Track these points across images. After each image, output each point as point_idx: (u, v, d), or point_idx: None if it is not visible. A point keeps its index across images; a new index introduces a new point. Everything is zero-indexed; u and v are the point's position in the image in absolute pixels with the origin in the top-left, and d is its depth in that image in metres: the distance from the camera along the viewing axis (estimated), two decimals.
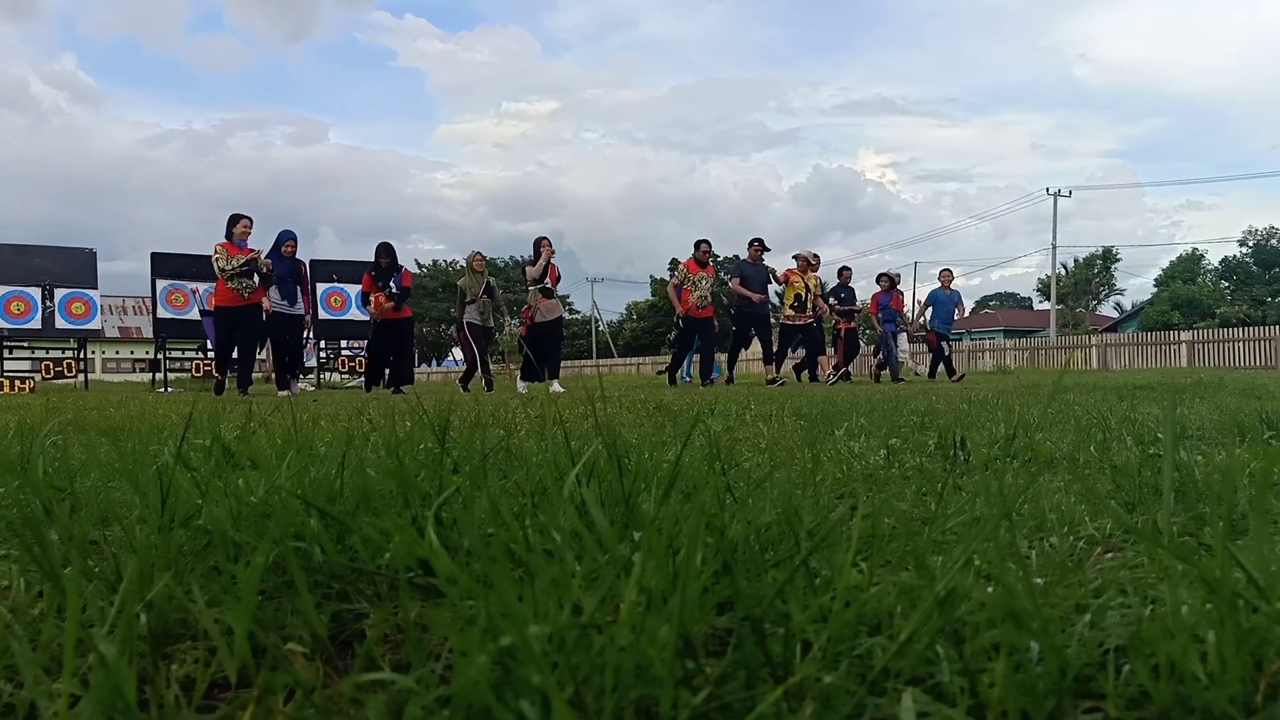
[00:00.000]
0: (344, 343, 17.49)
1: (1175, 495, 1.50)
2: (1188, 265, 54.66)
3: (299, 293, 11.16)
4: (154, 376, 16.23)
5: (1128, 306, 58.02)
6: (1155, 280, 55.86)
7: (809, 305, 13.39)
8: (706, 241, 12.44)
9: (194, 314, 15.96)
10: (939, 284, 14.87)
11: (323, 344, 17.17)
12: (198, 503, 1.29)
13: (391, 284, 11.45)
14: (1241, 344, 24.81)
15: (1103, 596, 0.89)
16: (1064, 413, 3.78)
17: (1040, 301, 59.41)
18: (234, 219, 10.40)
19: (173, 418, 4.15)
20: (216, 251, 10.20)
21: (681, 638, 0.65)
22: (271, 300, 10.66)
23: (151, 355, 17.57)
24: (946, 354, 14.68)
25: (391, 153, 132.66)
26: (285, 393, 10.57)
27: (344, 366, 17.21)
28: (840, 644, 0.76)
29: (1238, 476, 1.35)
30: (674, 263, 17.96)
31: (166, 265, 15.84)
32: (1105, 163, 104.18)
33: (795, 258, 13.43)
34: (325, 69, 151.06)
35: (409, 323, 12.01)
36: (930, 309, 14.72)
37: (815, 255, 13.53)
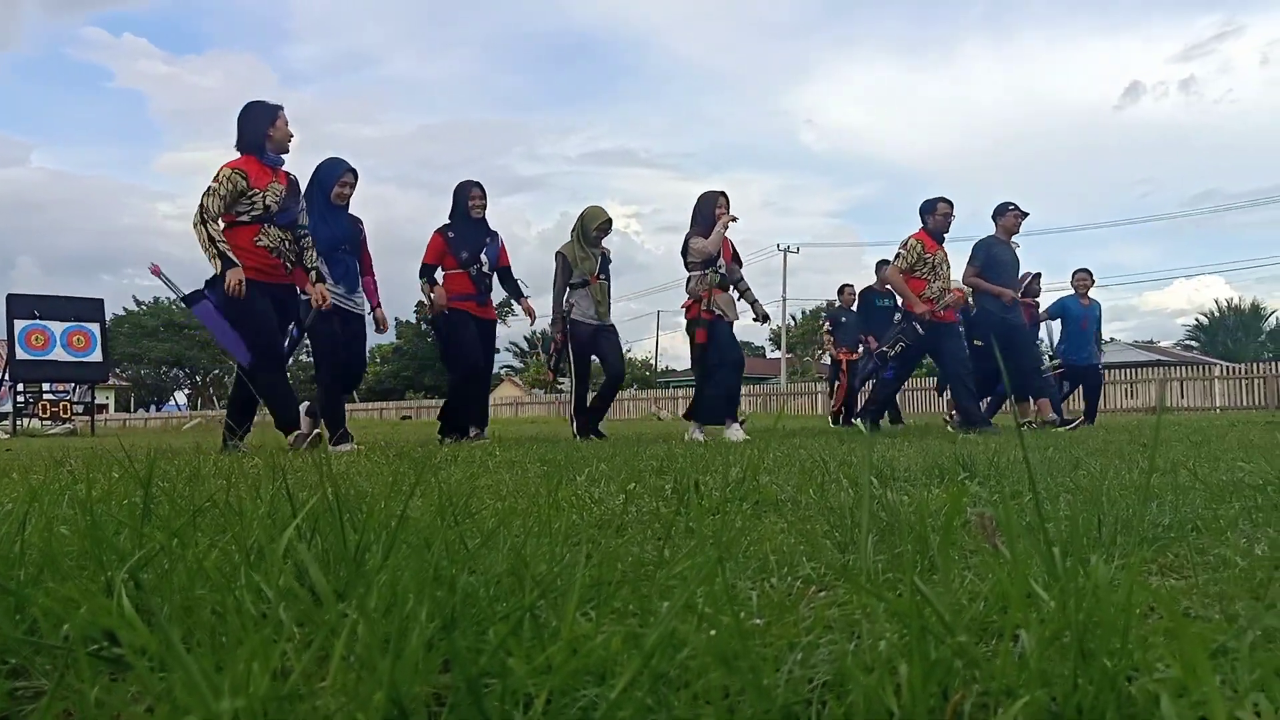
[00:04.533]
0: (46, 385, 15.84)
1: (885, 533, 1.61)
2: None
3: (360, 272, 6.26)
4: None
5: None
6: None
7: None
8: (947, 201, 7.77)
9: None
10: (1072, 291, 10.23)
11: (20, 387, 15.43)
12: None
13: (483, 258, 6.79)
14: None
15: (813, 634, 0.93)
16: (791, 456, 4.00)
17: (772, 350, 63.11)
18: (265, 110, 5.42)
19: None
20: (223, 178, 5.22)
21: (393, 701, 0.62)
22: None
23: None
24: (1064, 392, 10.18)
25: (106, 179, 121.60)
26: (347, 447, 5.56)
27: (45, 411, 15.59)
28: (563, 696, 0.76)
29: (926, 516, 1.47)
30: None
31: None
32: (829, 221, 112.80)
33: (1006, 209, 8.35)
34: (27, 85, 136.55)
35: (494, 329, 7.22)
36: (1058, 326, 10.26)
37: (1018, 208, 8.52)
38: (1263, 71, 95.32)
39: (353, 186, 6.19)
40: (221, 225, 5.36)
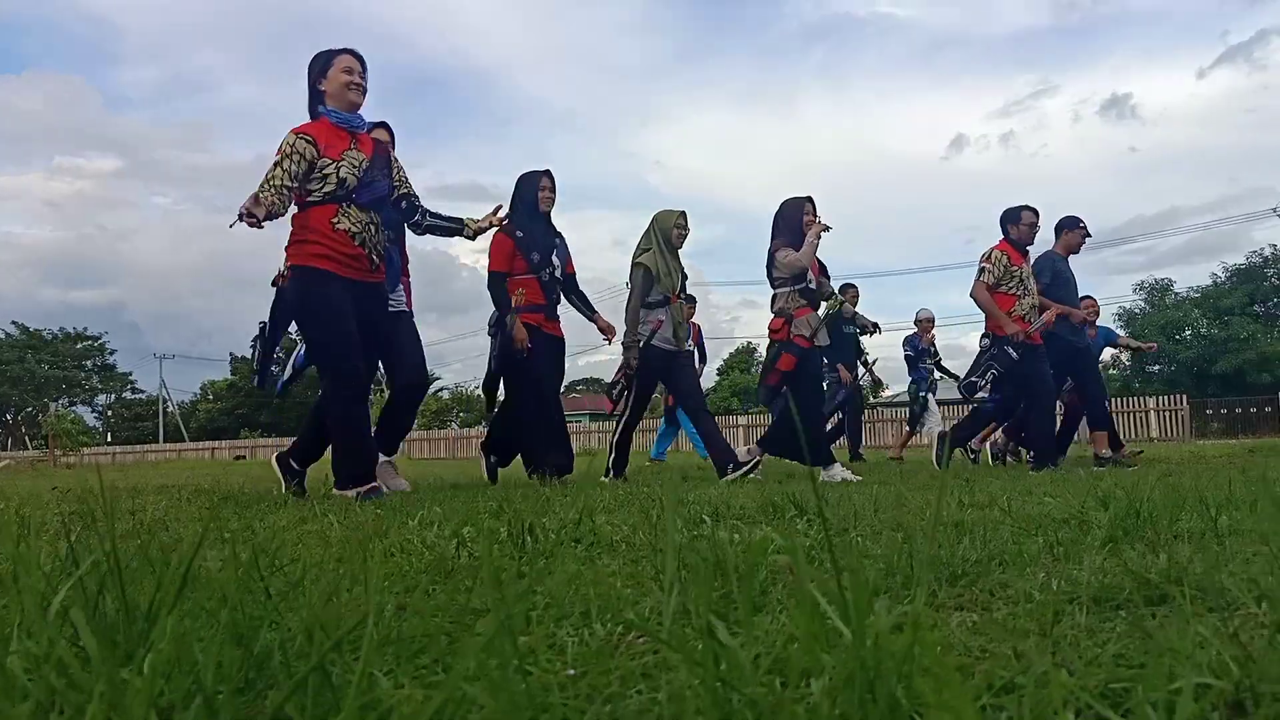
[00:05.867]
0: None
1: (715, 573, 1.62)
2: (744, 357, 61.24)
3: (403, 261, 5.43)
4: None
5: None
6: (718, 370, 62.00)
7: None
8: (1033, 210, 6.73)
9: None
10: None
11: None
12: None
13: (554, 261, 5.68)
14: None
15: (624, 684, 0.92)
16: (632, 495, 4.01)
17: None
18: (318, 58, 4.34)
19: None
20: (285, 148, 4.12)
21: None
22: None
23: None
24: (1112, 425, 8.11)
25: None
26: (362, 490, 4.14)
27: None
28: None
29: (728, 559, 1.49)
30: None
31: None
32: None
33: (1076, 224, 7.22)
34: None
35: (564, 348, 6.00)
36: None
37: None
38: (1074, 128, 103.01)
39: (390, 140, 5.24)
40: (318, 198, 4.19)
